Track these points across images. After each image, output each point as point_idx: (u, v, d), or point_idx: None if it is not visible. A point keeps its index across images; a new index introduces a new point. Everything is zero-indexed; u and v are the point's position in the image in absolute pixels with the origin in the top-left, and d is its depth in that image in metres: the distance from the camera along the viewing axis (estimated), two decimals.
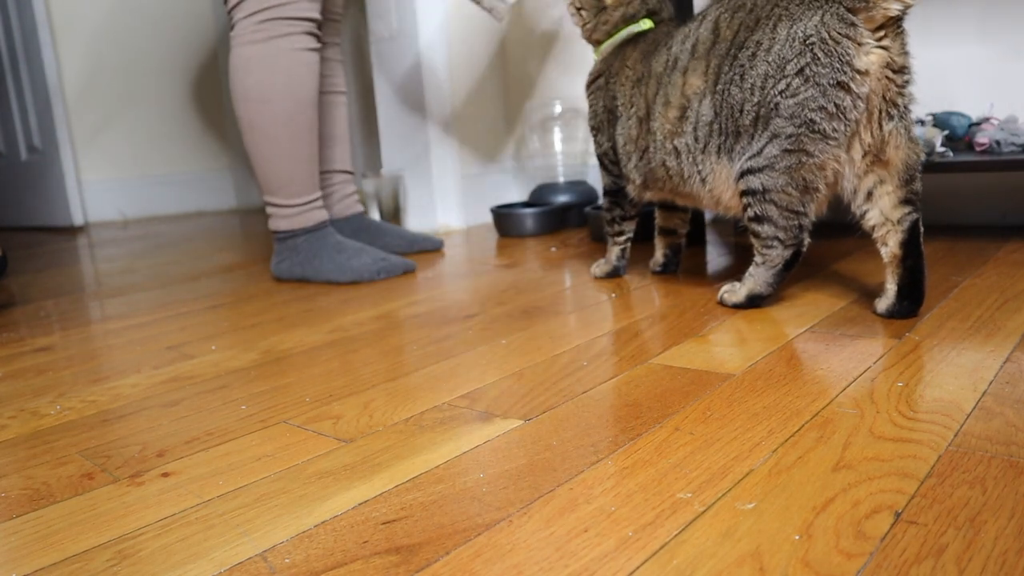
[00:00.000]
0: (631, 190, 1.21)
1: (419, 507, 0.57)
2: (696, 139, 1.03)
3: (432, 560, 0.50)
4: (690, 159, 1.05)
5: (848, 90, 0.88)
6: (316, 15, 1.41)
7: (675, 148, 1.07)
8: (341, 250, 1.46)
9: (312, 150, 1.45)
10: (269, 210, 1.48)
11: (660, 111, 1.08)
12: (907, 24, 0.90)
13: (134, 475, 0.67)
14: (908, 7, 0.86)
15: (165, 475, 0.66)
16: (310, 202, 1.47)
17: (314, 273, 1.46)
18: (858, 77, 0.88)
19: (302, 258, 1.47)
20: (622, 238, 1.29)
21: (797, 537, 0.49)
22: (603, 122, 1.23)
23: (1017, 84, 1.43)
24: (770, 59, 0.92)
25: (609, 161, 1.24)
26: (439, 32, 1.93)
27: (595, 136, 1.26)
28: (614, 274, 1.30)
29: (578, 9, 1.28)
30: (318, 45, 1.43)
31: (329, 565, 0.50)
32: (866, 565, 0.46)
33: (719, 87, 0.99)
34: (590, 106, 1.27)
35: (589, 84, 1.27)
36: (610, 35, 1.25)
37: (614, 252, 1.30)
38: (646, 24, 1.23)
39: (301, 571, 0.50)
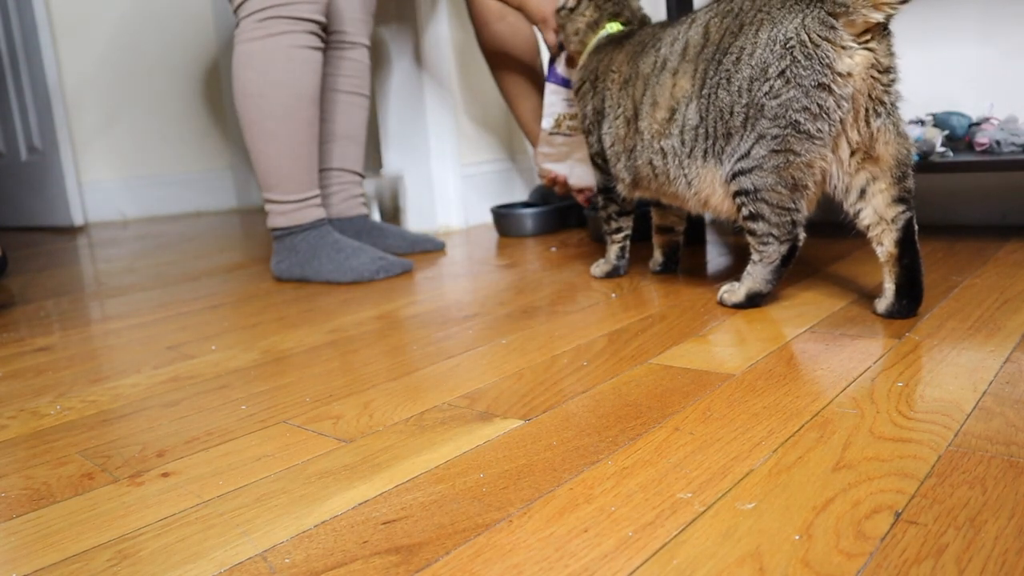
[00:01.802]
0: (621, 189, 1.22)
1: (419, 507, 0.57)
2: (682, 142, 1.04)
3: (432, 560, 0.50)
4: (676, 161, 1.06)
5: (830, 91, 0.89)
6: (318, 17, 1.42)
7: (662, 149, 1.08)
8: (339, 249, 1.46)
9: (310, 147, 1.46)
10: (267, 207, 1.49)
11: (648, 111, 1.09)
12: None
13: (134, 475, 0.67)
14: (890, 16, 0.87)
15: (165, 475, 0.66)
16: (307, 199, 1.47)
17: (313, 273, 1.46)
18: (839, 79, 0.88)
19: (301, 258, 1.47)
20: (620, 235, 1.29)
21: (797, 537, 0.49)
22: (592, 124, 1.25)
23: (1017, 84, 1.43)
24: (753, 62, 0.93)
25: (601, 160, 1.25)
26: (439, 32, 1.93)
27: (587, 138, 1.28)
28: (614, 273, 1.30)
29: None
30: (320, 45, 1.44)
31: (329, 565, 0.50)
32: (866, 565, 0.46)
33: (704, 91, 1.00)
34: (580, 110, 1.29)
35: (576, 91, 1.29)
36: (584, 44, 1.29)
37: (613, 251, 1.30)
38: (613, 27, 1.25)
39: (301, 571, 0.50)
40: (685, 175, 1.05)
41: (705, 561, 0.47)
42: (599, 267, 1.31)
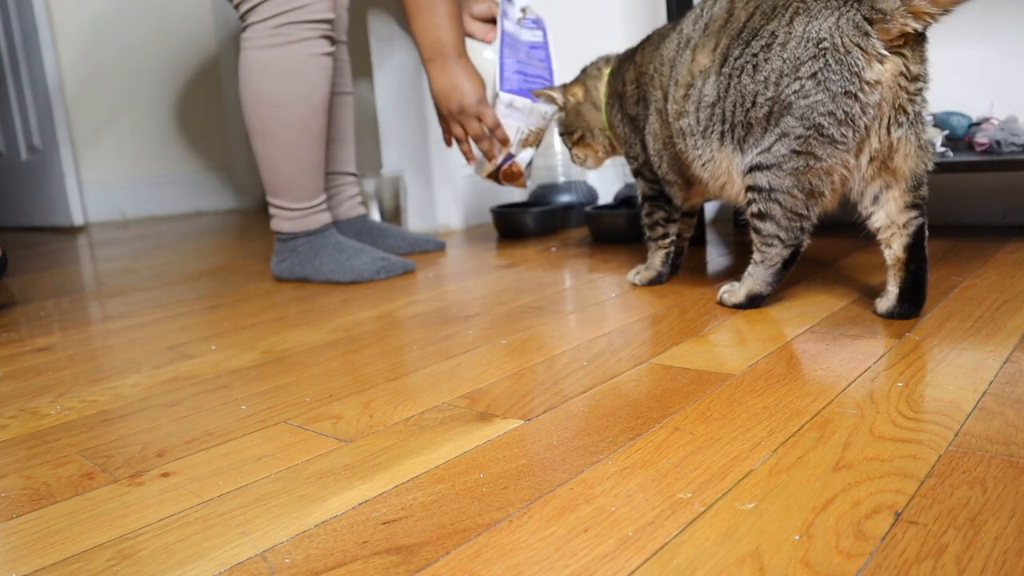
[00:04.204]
0: (677, 195, 1.17)
1: (419, 507, 0.57)
2: (697, 120, 1.00)
3: (432, 560, 0.50)
4: (692, 141, 1.02)
5: (856, 99, 0.87)
6: (330, 15, 1.39)
7: (681, 129, 1.04)
8: (341, 250, 1.46)
9: (321, 155, 1.45)
10: (273, 211, 1.48)
11: (672, 91, 1.05)
12: None
13: (134, 475, 0.67)
14: (928, 25, 0.84)
15: (165, 475, 0.66)
16: (315, 206, 1.47)
17: (314, 273, 1.45)
18: (867, 88, 0.86)
19: (302, 258, 1.46)
20: (666, 240, 1.22)
21: (797, 537, 0.49)
22: (630, 133, 1.21)
23: (1017, 84, 1.43)
24: (785, 56, 0.90)
25: (648, 171, 1.20)
26: None
27: (630, 156, 1.23)
28: (657, 280, 1.23)
29: (581, 137, 1.30)
30: (332, 48, 1.42)
31: (329, 565, 0.50)
32: (866, 565, 0.46)
33: (725, 70, 0.96)
34: (619, 140, 1.25)
35: (609, 126, 1.26)
36: (597, 96, 1.27)
37: (658, 257, 1.22)
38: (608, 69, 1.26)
39: (301, 571, 0.50)
40: (699, 156, 1.02)
41: (705, 561, 0.47)
42: (640, 274, 1.23)
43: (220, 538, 0.55)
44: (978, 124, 1.38)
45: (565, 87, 1.30)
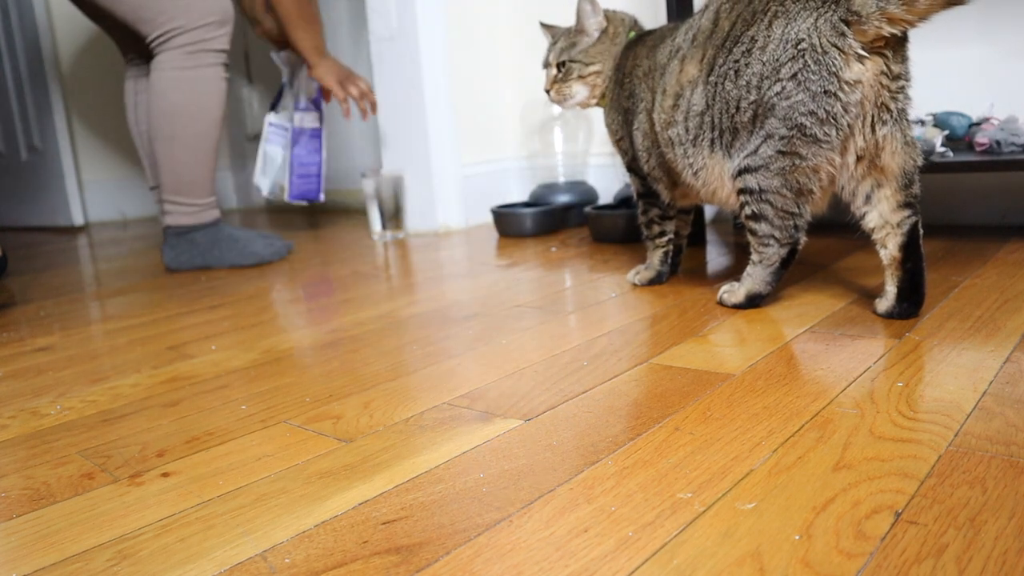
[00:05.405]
0: (663, 192, 1.17)
1: (419, 507, 0.57)
2: (686, 130, 1.02)
3: (432, 560, 0.50)
4: (681, 150, 1.04)
5: (836, 98, 0.88)
6: (228, 47, 1.69)
7: (670, 138, 1.05)
8: (236, 239, 1.71)
9: (215, 161, 1.73)
10: (169, 208, 1.68)
11: (659, 100, 1.07)
12: None
13: (134, 475, 0.67)
14: (905, 30, 0.85)
15: (165, 475, 0.66)
16: (210, 202, 1.72)
17: (216, 261, 1.69)
18: (847, 87, 0.87)
19: (201, 249, 1.69)
20: (663, 239, 1.22)
21: (797, 537, 0.49)
22: (621, 124, 1.21)
23: (1017, 84, 1.43)
24: (765, 59, 0.92)
25: (637, 166, 1.20)
26: (439, 32, 1.93)
27: (621, 149, 1.23)
28: (657, 280, 1.23)
29: (595, 75, 1.22)
30: (228, 75, 1.71)
31: (329, 565, 0.50)
32: (866, 565, 0.46)
33: (712, 78, 0.97)
34: (608, 128, 1.24)
35: (607, 95, 1.24)
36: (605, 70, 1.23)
37: (656, 256, 1.22)
38: (631, 35, 1.24)
39: (301, 571, 0.50)
40: (690, 165, 1.03)
41: (705, 561, 0.47)
42: (640, 274, 1.23)
43: (220, 538, 0.55)
44: (978, 124, 1.38)
45: (608, 18, 1.24)
